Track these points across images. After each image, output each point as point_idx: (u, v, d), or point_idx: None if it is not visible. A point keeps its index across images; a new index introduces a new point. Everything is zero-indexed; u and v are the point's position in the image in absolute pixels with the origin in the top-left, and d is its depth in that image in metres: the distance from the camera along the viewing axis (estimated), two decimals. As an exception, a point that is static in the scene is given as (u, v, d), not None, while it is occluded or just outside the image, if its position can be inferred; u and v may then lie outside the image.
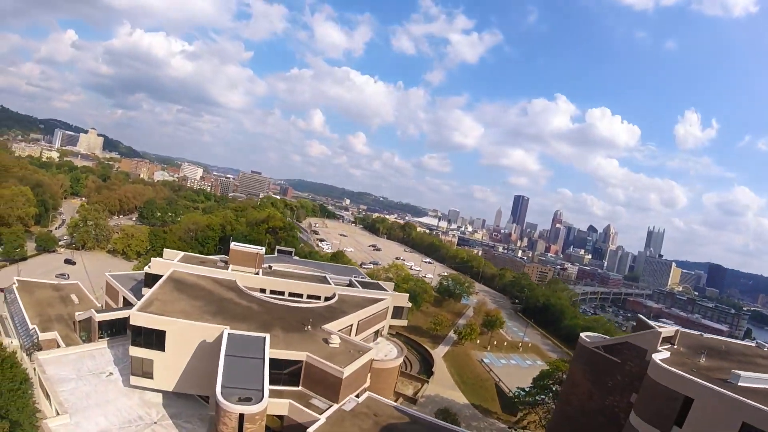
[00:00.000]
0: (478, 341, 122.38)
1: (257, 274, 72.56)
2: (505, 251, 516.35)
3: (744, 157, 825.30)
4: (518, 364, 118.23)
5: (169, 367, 45.31)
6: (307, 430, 38.56)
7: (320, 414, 41.52)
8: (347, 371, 44.24)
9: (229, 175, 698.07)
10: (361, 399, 46.98)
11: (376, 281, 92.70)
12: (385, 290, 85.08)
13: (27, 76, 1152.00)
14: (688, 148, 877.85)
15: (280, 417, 42.85)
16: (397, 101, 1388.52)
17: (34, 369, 47.73)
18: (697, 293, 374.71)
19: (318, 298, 69.23)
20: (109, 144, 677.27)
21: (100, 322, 57.32)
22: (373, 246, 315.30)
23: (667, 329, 46.90)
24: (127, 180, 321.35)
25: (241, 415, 34.88)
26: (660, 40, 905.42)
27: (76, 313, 62.85)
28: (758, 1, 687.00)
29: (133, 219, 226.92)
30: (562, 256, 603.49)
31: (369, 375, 52.34)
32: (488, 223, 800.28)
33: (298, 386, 45.65)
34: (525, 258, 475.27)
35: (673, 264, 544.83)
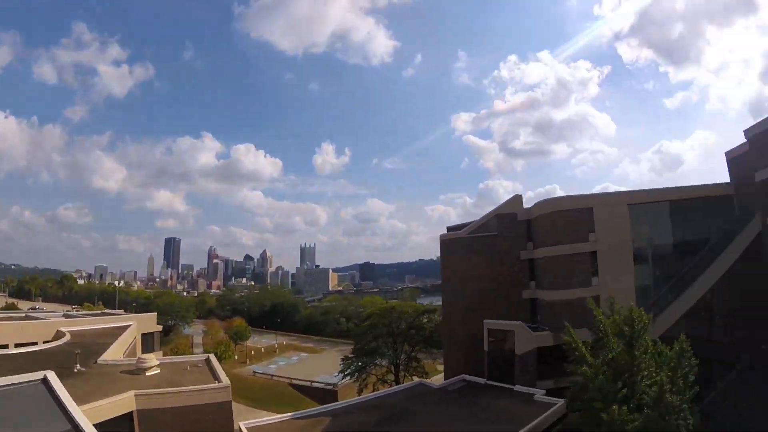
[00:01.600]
0: (236, 357, 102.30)
1: None
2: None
3: (373, 176, 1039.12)
4: (288, 363, 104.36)
5: None
6: None
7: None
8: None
9: None
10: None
11: (100, 310, 62.42)
12: (120, 314, 57.71)
13: None
14: (326, 173, 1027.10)
15: None
16: (31, 141, 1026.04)
17: None
18: (355, 288, 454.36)
19: (34, 344, 38.49)
20: None
21: None
22: (33, 308, 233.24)
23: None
24: None
25: None
26: (304, 82, 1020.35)
27: None
28: (393, 53, 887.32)
29: None
30: (225, 288, 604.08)
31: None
32: (141, 274, 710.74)
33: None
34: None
35: (330, 270, 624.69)
